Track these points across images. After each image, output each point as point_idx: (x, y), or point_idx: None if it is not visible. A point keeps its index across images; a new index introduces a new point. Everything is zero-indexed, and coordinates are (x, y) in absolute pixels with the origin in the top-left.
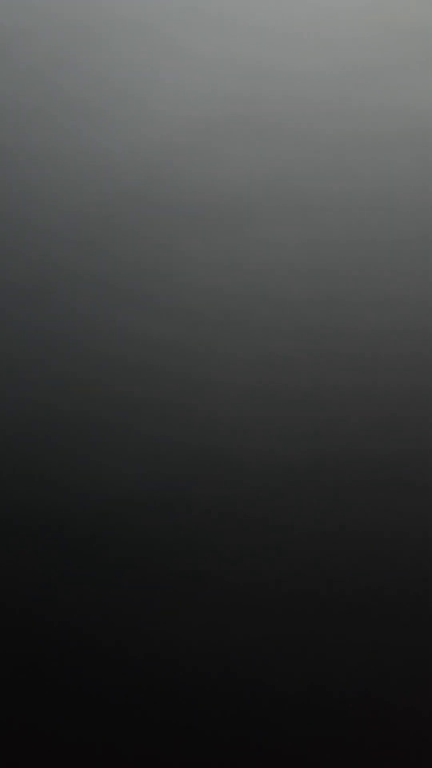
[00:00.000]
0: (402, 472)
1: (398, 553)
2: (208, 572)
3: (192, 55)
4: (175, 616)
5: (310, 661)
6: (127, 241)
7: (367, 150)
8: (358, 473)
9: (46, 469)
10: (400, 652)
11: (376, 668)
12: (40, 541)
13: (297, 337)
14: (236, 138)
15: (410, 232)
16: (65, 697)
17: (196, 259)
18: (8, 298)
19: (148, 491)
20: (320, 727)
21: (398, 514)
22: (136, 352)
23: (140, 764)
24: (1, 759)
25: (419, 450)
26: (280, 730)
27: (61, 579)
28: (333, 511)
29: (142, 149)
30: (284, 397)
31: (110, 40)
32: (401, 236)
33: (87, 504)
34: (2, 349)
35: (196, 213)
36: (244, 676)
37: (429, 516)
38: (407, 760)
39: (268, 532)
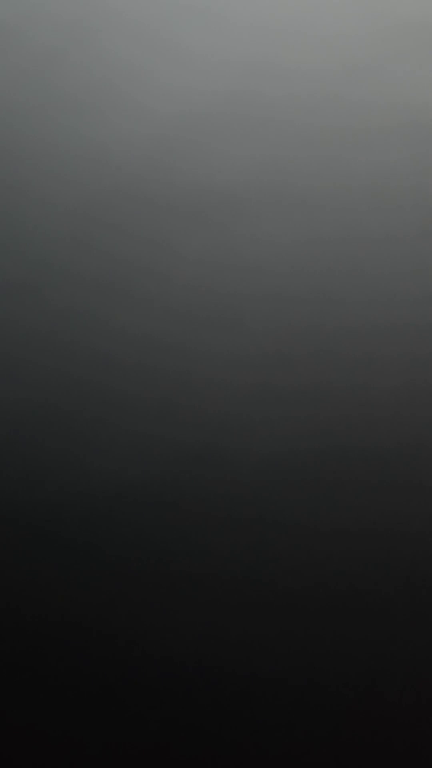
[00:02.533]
0: (400, 469)
1: (397, 550)
2: (206, 569)
3: (187, 51)
4: (172, 613)
5: (308, 657)
6: (121, 238)
7: (364, 145)
8: (356, 470)
9: (42, 466)
10: (399, 649)
11: (375, 665)
12: (36, 538)
13: (293, 333)
14: (232, 134)
15: (407, 227)
16: (62, 694)
17: (191, 256)
18: (2, 296)
19: (144, 488)
20: (319, 723)
21: (397, 510)
22: (131, 349)
23: (139, 762)
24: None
25: (417, 446)
26: (278, 727)
27: (56, 575)
28: (331, 508)
29: (138, 146)
30: (281, 394)
31: (105, 37)
32: (398, 232)
33: (83, 501)
34: None
35: (191, 209)
36: (241, 671)
37: (427, 512)
38: (407, 758)
39: (265, 529)
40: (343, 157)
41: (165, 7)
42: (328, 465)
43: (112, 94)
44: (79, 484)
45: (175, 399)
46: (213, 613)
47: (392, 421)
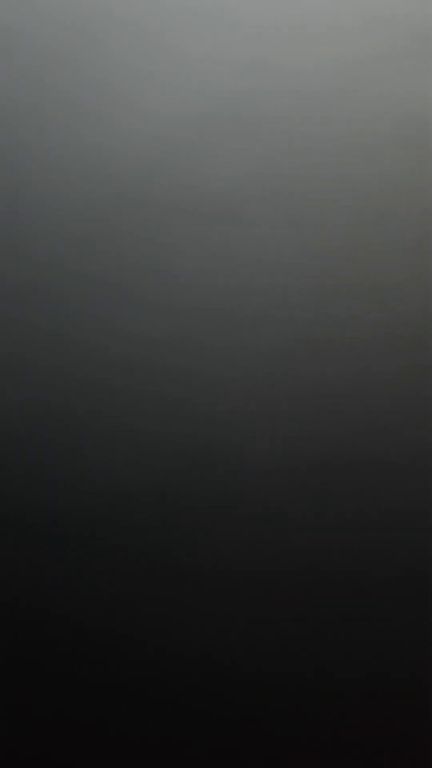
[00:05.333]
0: (402, 466)
1: (399, 556)
2: (207, 567)
3: (187, 52)
4: (172, 612)
5: (308, 657)
6: (123, 238)
7: (365, 146)
8: (358, 468)
9: (43, 465)
10: (400, 649)
11: (376, 664)
12: (37, 537)
13: (295, 333)
14: (232, 135)
15: (408, 225)
16: (61, 699)
17: (193, 256)
18: (3, 296)
19: (146, 487)
20: (320, 718)
21: (397, 509)
22: (133, 348)
23: (137, 757)
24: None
25: (419, 444)
26: (280, 721)
27: (57, 574)
28: (333, 506)
29: (139, 146)
30: (282, 392)
31: (105, 38)
32: (399, 229)
33: (84, 499)
34: None
35: (193, 210)
36: (243, 670)
37: (427, 512)
38: (406, 754)
39: (267, 526)
40: (344, 157)
41: (166, 9)
42: (331, 462)
43: (114, 95)
44: (80, 482)
45: (176, 396)
46: (212, 614)
47: (393, 419)
